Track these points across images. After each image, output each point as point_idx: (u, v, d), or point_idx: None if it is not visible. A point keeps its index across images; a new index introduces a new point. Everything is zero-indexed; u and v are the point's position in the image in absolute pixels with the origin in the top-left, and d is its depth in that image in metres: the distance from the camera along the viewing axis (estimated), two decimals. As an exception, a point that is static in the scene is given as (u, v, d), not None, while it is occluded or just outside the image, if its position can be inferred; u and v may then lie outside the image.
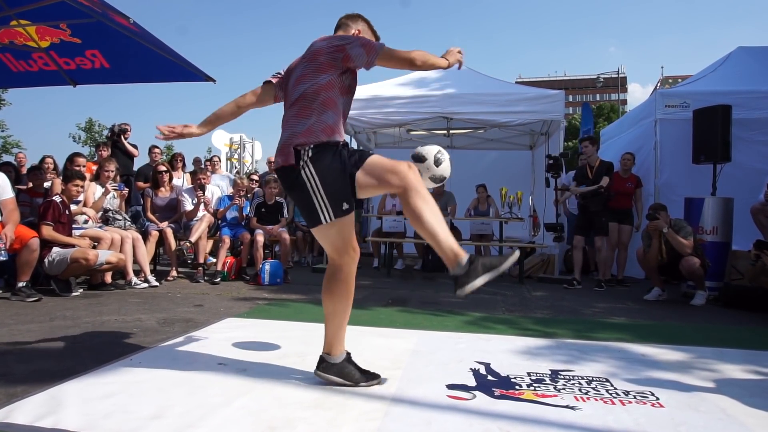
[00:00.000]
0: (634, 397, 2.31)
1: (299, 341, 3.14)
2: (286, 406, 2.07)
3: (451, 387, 2.37)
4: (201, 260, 5.89)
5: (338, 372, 2.32)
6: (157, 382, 2.30)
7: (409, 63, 2.21)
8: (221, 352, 2.83)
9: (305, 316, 3.94)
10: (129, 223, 5.68)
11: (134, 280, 5.20)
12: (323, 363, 2.34)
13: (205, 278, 5.78)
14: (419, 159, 2.48)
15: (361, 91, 7.40)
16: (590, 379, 2.56)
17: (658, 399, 2.29)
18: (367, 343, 3.14)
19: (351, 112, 7.82)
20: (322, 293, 2.33)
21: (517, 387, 2.41)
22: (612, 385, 2.46)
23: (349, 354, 2.38)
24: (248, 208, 6.44)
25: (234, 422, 1.90)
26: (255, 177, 7.89)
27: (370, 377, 2.36)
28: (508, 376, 2.57)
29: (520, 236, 7.89)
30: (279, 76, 2.47)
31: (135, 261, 5.40)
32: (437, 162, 2.47)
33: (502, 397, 2.27)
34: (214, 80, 6.04)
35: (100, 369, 2.47)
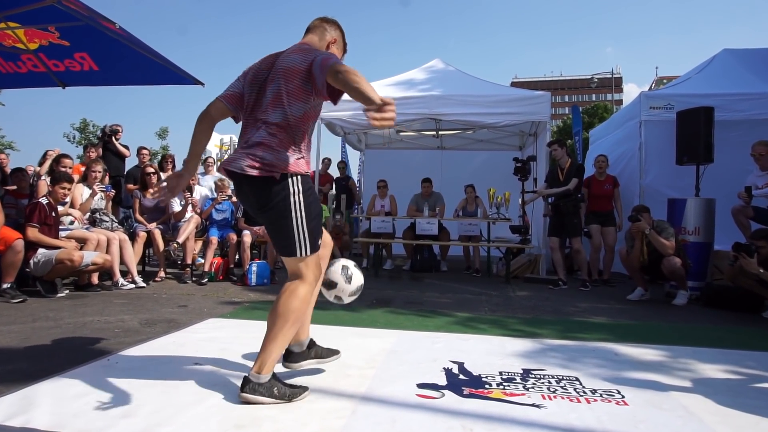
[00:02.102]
0: (601, 395, 2.35)
1: (278, 341, 3.18)
2: (254, 405, 2.10)
3: (421, 386, 2.41)
4: (189, 261, 5.92)
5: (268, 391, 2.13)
6: (131, 382, 2.33)
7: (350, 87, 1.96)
8: (198, 353, 2.86)
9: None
10: (116, 224, 5.71)
11: (121, 281, 5.23)
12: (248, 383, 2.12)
13: (193, 279, 5.81)
14: (330, 285, 2.44)
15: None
16: (560, 377, 2.61)
17: (623, 397, 2.33)
18: (345, 344, 3.16)
19: (341, 113, 7.83)
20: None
21: (486, 386, 2.45)
22: (581, 384, 2.51)
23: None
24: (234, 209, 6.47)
25: (202, 420, 1.94)
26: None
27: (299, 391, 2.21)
28: (479, 375, 2.62)
29: (508, 237, 7.94)
30: (232, 93, 2.27)
31: (122, 262, 5.43)
32: (348, 279, 2.44)
33: (470, 395, 2.31)
34: (202, 84, 6.07)
35: (75, 369, 2.50)
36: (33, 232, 4.62)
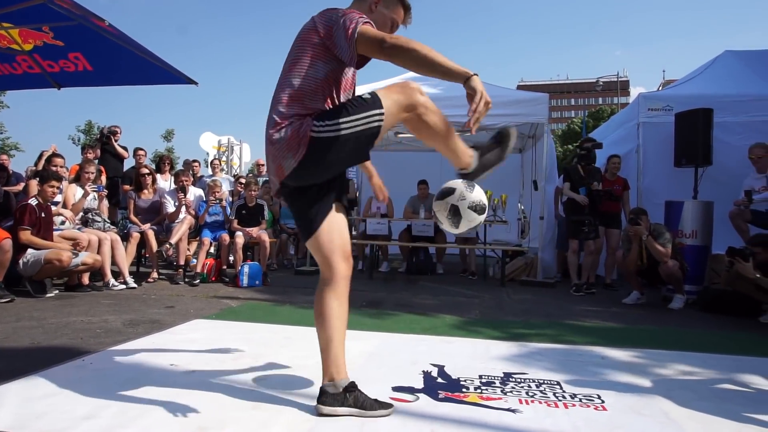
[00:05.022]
0: (580, 400, 2.29)
1: (259, 343, 3.14)
2: (222, 407, 2.06)
3: (396, 389, 2.36)
4: (182, 262, 5.89)
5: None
6: (102, 383, 2.29)
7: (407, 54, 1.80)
8: (176, 354, 2.82)
9: (274, 319, 3.94)
10: (108, 224, 5.70)
11: (112, 281, 5.21)
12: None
13: (185, 280, 5.79)
14: (447, 192, 2.13)
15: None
16: (541, 382, 2.55)
17: (603, 402, 2.27)
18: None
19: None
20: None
21: (464, 390, 2.40)
22: (561, 389, 2.45)
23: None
24: (229, 210, 6.44)
25: (165, 422, 1.90)
26: (243, 180, 7.89)
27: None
28: (458, 378, 2.56)
29: (504, 239, 7.86)
30: None
31: (114, 263, 5.42)
32: (470, 187, 2.13)
33: (445, 399, 2.26)
34: (196, 83, 6.05)
35: (48, 369, 2.47)
36: (25, 235, 4.61)
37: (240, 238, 5.90)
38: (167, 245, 5.65)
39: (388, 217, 7.66)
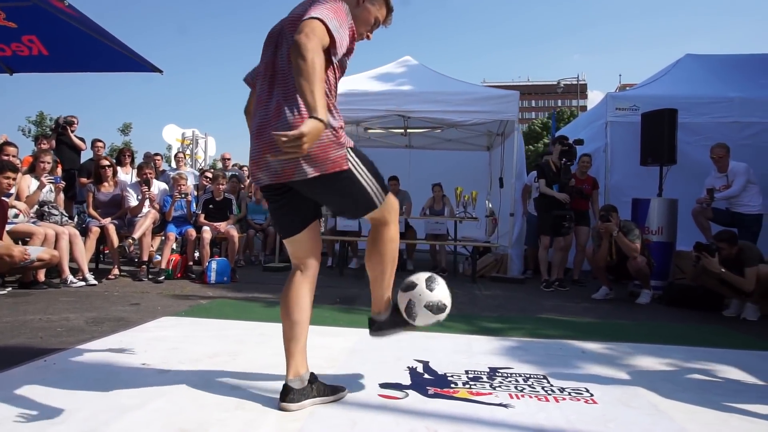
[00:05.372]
0: (569, 394, 2.28)
1: (234, 340, 3.01)
2: (203, 407, 1.94)
3: (384, 386, 2.29)
4: (145, 258, 5.64)
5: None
6: (69, 385, 2.13)
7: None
8: (147, 352, 2.67)
9: (246, 315, 3.80)
10: (66, 218, 5.40)
11: (70, 278, 4.93)
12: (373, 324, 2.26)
13: (149, 277, 5.55)
14: (410, 286, 2.12)
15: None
16: (527, 376, 2.53)
17: (592, 395, 2.27)
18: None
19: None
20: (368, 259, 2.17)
21: (452, 385, 2.35)
22: (549, 382, 2.43)
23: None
24: (195, 205, 6.22)
25: (143, 426, 1.77)
26: (208, 174, 7.65)
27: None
28: (445, 374, 2.51)
29: (474, 236, 7.90)
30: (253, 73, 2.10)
31: (72, 259, 5.13)
32: (429, 286, 2.10)
33: (435, 395, 2.21)
34: (161, 71, 5.80)
35: (5, 372, 2.28)
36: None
37: (207, 234, 5.69)
38: (130, 240, 5.39)
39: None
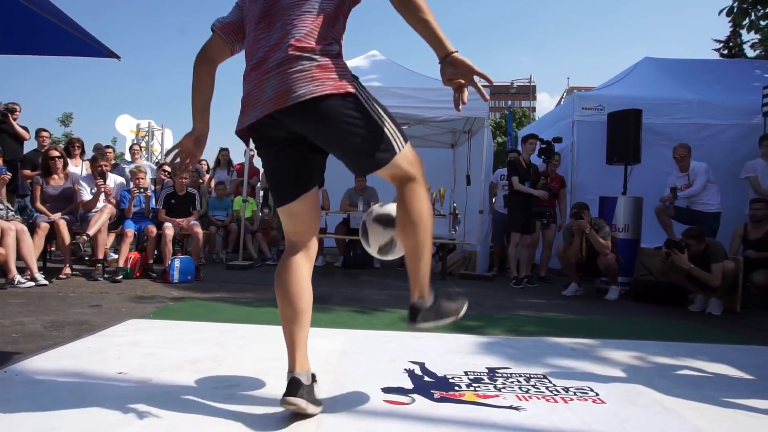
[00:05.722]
0: (575, 393, 2.23)
1: (214, 344, 2.82)
2: (199, 421, 1.77)
3: (386, 390, 2.17)
4: (100, 256, 5.28)
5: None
6: (39, 400, 1.90)
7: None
8: (121, 360, 2.44)
9: (220, 316, 3.59)
10: (12, 213, 4.97)
11: (17, 278, 4.53)
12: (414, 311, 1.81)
13: (105, 276, 5.19)
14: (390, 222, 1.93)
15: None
16: (528, 376, 2.47)
17: (597, 395, 2.23)
18: (292, 345, 2.87)
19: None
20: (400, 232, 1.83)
21: (456, 388, 2.26)
22: (550, 382, 2.38)
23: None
24: (154, 200, 5.88)
25: (135, 444, 1.58)
26: (167, 168, 7.26)
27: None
28: (445, 376, 2.42)
29: (440, 233, 7.88)
30: (225, 22, 1.90)
31: (19, 257, 4.72)
32: (383, 204, 2.03)
33: (442, 399, 2.11)
34: (118, 57, 5.44)
35: (-39, 384, 2.02)
36: None
37: (170, 230, 5.38)
38: (84, 237, 5.02)
39: (324, 209, 7.40)
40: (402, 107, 7.02)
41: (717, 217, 5.74)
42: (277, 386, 2.16)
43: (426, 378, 2.38)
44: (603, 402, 2.14)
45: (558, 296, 5.37)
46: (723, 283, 4.52)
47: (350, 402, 2.02)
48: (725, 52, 19.15)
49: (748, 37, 15.46)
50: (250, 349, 2.76)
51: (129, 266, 5.29)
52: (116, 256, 6.14)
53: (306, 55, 1.66)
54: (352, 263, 7.28)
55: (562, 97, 34.17)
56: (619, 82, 7.35)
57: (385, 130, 1.72)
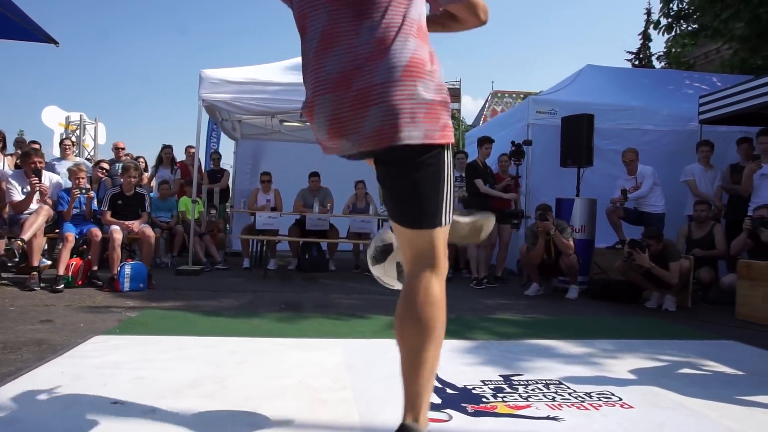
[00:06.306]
0: (600, 399, 2.22)
1: (205, 362, 2.56)
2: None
3: (418, 407, 2.05)
4: (35, 263, 4.71)
5: None
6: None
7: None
8: (107, 386, 2.14)
9: (195, 329, 3.30)
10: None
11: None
12: None
13: (42, 285, 4.65)
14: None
15: (235, 74, 6.71)
16: (545, 382, 2.44)
17: (621, 399, 2.23)
18: (289, 358, 2.69)
19: (224, 96, 6.97)
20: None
21: (483, 399, 2.18)
22: (569, 388, 2.37)
23: None
24: (95, 201, 5.36)
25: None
26: (105, 165, 6.66)
27: None
28: (465, 386, 2.34)
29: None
30: None
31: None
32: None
33: (477, 413, 2.02)
34: (56, 42, 4.94)
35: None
36: None
37: (118, 234, 4.91)
38: (18, 242, 4.47)
39: (278, 210, 7.12)
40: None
41: (662, 218, 6.07)
42: (301, 408, 2.00)
43: (449, 390, 2.29)
44: (631, 407, 2.14)
45: (521, 296, 5.46)
46: (680, 281, 4.78)
47: (387, 423, 1.88)
48: (636, 62, 20.74)
49: (657, 49, 16.78)
50: (247, 366, 2.53)
51: (71, 274, 4.78)
52: (48, 263, 5.57)
53: (419, 78, 1.40)
54: (307, 266, 7.05)
55: (486, 101, 35.24)
56: (566, 88, 7.61)
57: (442, 200, 1.48)
